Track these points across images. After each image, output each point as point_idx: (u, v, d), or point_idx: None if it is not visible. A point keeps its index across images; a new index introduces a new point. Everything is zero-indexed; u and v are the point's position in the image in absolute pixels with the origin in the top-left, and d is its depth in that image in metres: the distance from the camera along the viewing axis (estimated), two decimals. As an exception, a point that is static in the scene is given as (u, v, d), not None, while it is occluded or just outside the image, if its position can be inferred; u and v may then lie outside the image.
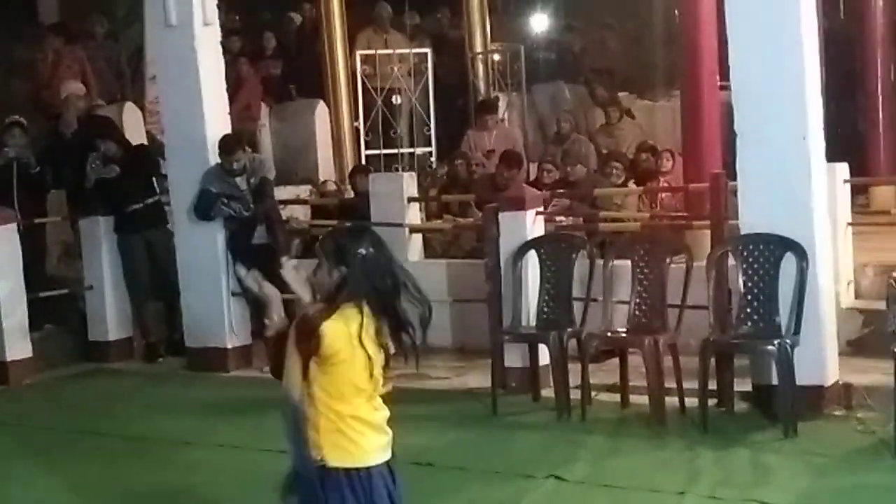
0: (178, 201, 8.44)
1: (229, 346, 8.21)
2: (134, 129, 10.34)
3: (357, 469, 3.18)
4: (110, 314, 8.92)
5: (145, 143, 9.95)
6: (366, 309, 3.15)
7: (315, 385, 3.15)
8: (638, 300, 6.61)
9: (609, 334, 6.61)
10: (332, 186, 11.19)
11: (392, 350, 3.24)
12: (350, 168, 11.57)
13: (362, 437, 3.19)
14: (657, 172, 9.27)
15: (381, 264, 3.22)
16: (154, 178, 8.95)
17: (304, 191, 11.12)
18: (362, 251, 3.19)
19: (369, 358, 3.18)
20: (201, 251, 8.33)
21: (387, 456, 3.26)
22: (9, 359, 8.27)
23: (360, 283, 3.15)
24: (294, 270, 3.22)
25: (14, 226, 8.42)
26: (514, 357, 7.07)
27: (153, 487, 5.60)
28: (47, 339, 8.77)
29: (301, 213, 10.38)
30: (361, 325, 3.13)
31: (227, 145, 8.11)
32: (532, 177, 9.62)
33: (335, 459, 3.15)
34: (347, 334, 3.11)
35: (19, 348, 8.35)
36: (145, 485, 5.67)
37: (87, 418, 7.11)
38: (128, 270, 8.87)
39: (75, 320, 9.06)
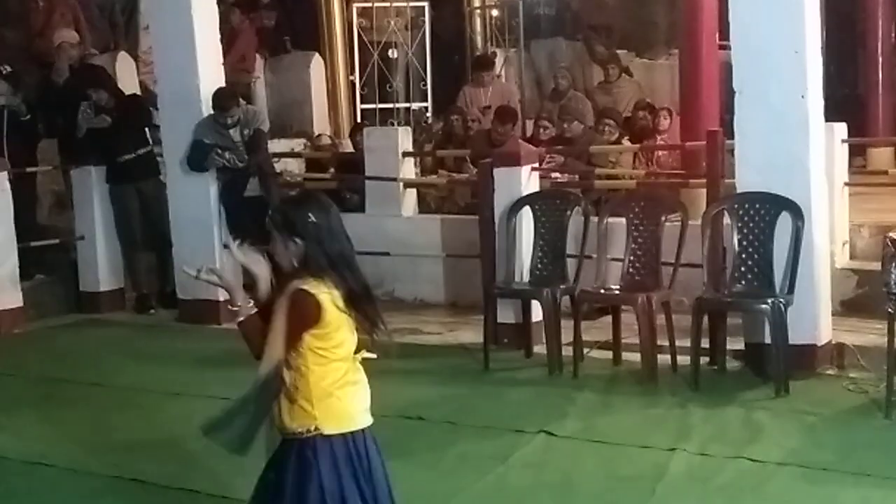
0: (171, 152, 8.40)
1: (221, 299, 8.12)
2: (127, 78, 10.26)
3: (352, 433, 3.17)
4: (102, 265, 8.90)
5: (138, 93, 9.88)
6: (329, 278, 3.10)
7: (308, 357, 3.11)
8: (632, 258, 6.60)
9: (602, 291, 6.61)
10: (326, 140, 11.14)
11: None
12: (346, 123, 11.53)
13: (354, 399, 3.19)
14: (654, 130, 9.24)
15: (333, 231, 3.15)
16: (147, 129, 8.89)
17: (298, 144, 11.05)
18: (312, 219, 3.12)
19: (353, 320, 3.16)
20: (193, 203, 8.29)
21: (370, 418, 3.24)
22: (0, 308, 8.27)
23: (318, 253, 3.10)
24: (241, 250, 3.14)
25: (4, 174, 8.36)
26: (506, 313, 7.07)
27: (143, 438, 5.60)
28: (38, 289, 8.76)
29: (295, 167, 10.34)
30: (333, 292, 3.10)
31: (222, 100, 8.04)
32: (528, 133, 9.57)
33: (332, 427, 3.14)
34: (331, 300, 3.09)
35: (10, 297, 8.33)
36: (136, 435, 5.66)
37: (78, 369, 7.10)
38: (119, 221, 8.84)
39: (66, 270, 9.04)
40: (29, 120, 9.00)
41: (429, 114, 11.91)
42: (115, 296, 8.96)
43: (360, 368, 3.26)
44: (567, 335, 6.55)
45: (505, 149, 7.63)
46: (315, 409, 3.12)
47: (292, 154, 10.43)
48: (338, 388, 3.16)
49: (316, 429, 3.12)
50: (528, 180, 7.20)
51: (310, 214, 3.13)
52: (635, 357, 6.36)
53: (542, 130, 9.11)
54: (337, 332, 3.13)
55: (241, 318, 3.15)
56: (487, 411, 5.87)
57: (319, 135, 11.32)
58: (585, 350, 6.63)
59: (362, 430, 3.21)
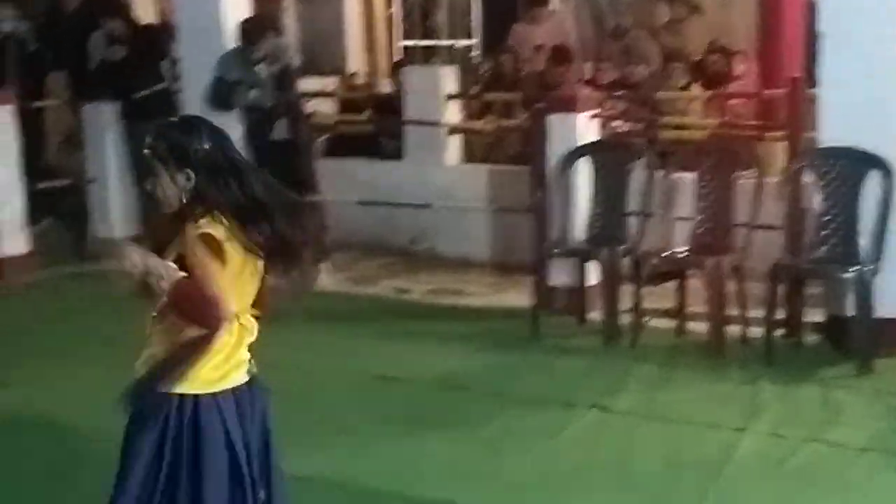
0: (190, 89, 8.42)
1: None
2: (143, 6, 10.29)
3: (238, 387, 3.16)
4: (115, 209, 8.99)
5: (155, 22, 9.90)
6: (230, 215, 3.02)
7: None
8: (701, 217, 6.57)
9: (667, 253, 6.58)
10: (361, 79, 11.14)
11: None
12: (383, 61, 11.51)
13: (244, 352, 3.18)
14: (728, 76, 9.14)
15: (227, 160, 3.05)
16: (164, 63, 8.92)
17: (330, 83, 11.06)
18: (204, 146, 3.02)
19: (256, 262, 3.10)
20: (215, 145, 8.32)
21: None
22: (4, 254, 8.38)
23: (210, 185, 3.01)
24: (138, 252, 3.06)
25: (10, 108, 8.45)
26: (559, 275, 7.08)
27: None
28: (46, 235, 8.85)
29: (327, 108, 10.35)
30: (233, 230, 3.01)
31: (250, 32, 8.02)
32: (586, 76, 9.51)
33: (222, 382, 3.12)
34: (232, 242, 3.01)
35: (16, 243, 8.45)
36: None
37: (91, 320, 7.17)
38: (135, 162, 8.90)
39: (78, 215, 9.13)
40: (37, 50, 9.05)
41: (476, 52, 11.86)
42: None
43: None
44: (626, 301, 6.54)
45: (560, 92, 7.60)
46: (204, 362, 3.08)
47: (324, 94, 10.43)
48: (240, 343, 3.14)
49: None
50: (585, 128, 7.17)
51: (202, 140, 3.04)
52: (701, 327, 6.35)
53: (601, 73, 9.04)
54: (240, 277, 3.06)
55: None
56: (536, 382, 5.90)
57: (353, 73, 11.31)
58: (646, 318, 6.61)
59: (248, 383, 3.21)
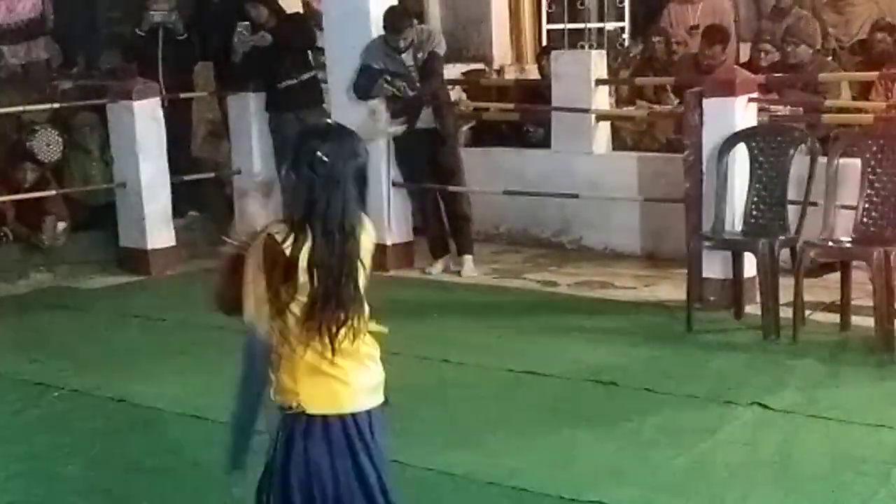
0: (336, 78, 8.53)
1: (388, 244, 8.31)
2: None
3: (342, 415, 3.04)
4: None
5: (301, 11, 10.05)
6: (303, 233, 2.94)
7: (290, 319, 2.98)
8: (867, 205, 6.41)
9: (830, 244, 6.44)
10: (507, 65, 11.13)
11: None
12: (529, 46, 11.47)
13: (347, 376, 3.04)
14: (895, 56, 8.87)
15: (336, 177, 2.93)
16: (310, 52, 9.05)
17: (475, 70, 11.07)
18: (318, 154, 2.93)
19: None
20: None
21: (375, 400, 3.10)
22: (150, 247, 8.65)
23: (300, 197, 2.93)
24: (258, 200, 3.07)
25: (158, 101, 8.68)
26: (713, 267, 6.98)
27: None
28: (191, 228, 9.08)
29: (470, 96, 10.35)
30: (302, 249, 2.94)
31: (395, 21, 8.07)
32: (743, 58, 9.34)
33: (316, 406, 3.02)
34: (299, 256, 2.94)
35: (162, 236, 8.71)
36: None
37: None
38: (279, 153, 9.06)
39: (222, 207, 9.33)
40: (185, 39, 9.26)
41: (626, 35, 11.75)
42: (273, 235, 9.21)
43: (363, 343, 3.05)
44: (786, 294, 6.41)
45: (717, 75, 7.47)
46: (298, 384, 3.00)
47: (468, 81, 10.46)
48: (328, 364, 3.00)
49: (298, 405, 3.00)
50: (743, 113, 7.04)
51: (319, 148, 2.94)
52: (868, 322, 6.21)
53: (761, 55, 8.85)
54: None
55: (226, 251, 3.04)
56: (690, 379, 5.82)
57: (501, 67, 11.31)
58: (807, 312, 6.49)
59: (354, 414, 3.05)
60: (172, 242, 8.76)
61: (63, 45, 10.41)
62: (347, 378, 3.01)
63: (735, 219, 6.90)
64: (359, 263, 2.99)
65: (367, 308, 3.06)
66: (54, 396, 5.96)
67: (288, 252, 2.92)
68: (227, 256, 3.09)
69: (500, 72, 11.28)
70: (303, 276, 2.92)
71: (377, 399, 3.09)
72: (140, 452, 5.14)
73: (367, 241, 3.05)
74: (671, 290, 7.34)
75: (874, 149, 6.46)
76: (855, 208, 6.46)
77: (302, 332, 2.96)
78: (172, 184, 8.77)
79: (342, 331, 2.95)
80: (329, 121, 3.53)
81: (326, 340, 2.95)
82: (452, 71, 10.07)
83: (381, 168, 8.31)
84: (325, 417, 3.00)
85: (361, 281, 3.02)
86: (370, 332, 3.08)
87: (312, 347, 2.97)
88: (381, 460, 3.09)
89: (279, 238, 2.93)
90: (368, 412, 3.06)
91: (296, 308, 2.95)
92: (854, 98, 8.40)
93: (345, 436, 3.02)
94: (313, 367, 2.98)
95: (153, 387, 6.02)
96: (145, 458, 5.07)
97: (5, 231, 8.55)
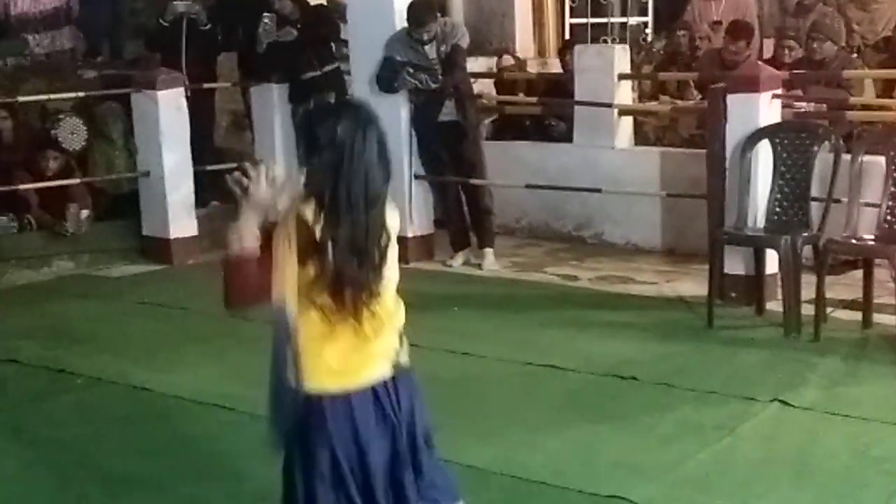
0: (359, 70, 8.53)
1: (409, 236, 8.32)
2: (313, -13, 10.47)
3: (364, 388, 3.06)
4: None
5: (325, 3, 10.06)
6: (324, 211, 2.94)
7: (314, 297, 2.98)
8: (891, 203, 6.38)
9: (853, 241, 6.41)
10: (510, 61, 11.08)
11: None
12: (552, 39, 11.46)
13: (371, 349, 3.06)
14: (921, 53, 8.83)
15: (363, 160, 2.93)
16: (333, 44, 9.06)
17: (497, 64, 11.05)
18: (340, 134, 2.93)
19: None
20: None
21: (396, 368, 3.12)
22: (172, 236, 8.69)
23: (323, 175, 2.93)
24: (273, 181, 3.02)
25: (182, 91, 8.71)
26: (735, 263, 6.96)
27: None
28: (213, 217, 9.09)
29: (494, 89, 10.36)
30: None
31: (418, 15, 8.05)
32: (767, 54, 9.30)
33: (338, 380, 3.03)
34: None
35: (184, 226, 8.75)
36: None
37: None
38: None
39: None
40: (209, 30, 9.28)
41: (649, 30, 11.72)
42: (295, 226, 9.24)
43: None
44: (808, 291, 6.40)
45: (741, 71, 7.44)
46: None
47: (491, 74, 10.46)
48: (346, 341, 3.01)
49: (321, 381, 3.02)
50: (767, 109, 7.01)
51: (339, 126, 2.94)
52: (889, 319, 6.22)
53: (786, 51, 8.81)
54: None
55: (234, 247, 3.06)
56: (710, 374, 5.81)
57: (503, 55, 11.27)
58: (829, 309, 6.48)
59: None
60: (195, 232, 8.79)
61: (87, 34, 10.48)
62: (372, 350, 3.04)
63: (757, 215, 6.88)
64: (384, 234, 2.99)
65: (396, 280, 3.07)
66: (76, 384, 6.00)
67: (317, 231, 2.92)
68: (241, 248, 3.07)
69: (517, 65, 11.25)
70: (329, 253, 2.93)
71: (399, 366, 3.10)
72: (161, 440, 5.17)
73: (392, 219, 3.06)
74: (692, 285, 7.33)
75: (898, 146, 6.44)
76: (878, 206, 6.44)
77: (328, 308, 2.96)
78: (195, 173, 8.80)
79: (368, 306, 2.97)
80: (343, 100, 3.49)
81: (351, 317, 2.96)
82: (474, 65, 10.07)
83: (403, 160, 8.31)
84: (346, 392, 3.02)
85: (390, 255, 3.02)
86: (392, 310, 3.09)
87: (337, 322, 2.98)
88: (412, 427, 3.11)
89: (308, 217, 2.94)
90: (394, 379, 3.08)
91: (322, 285, 2.95)
92: (878, 95, 8.35)
93: (373, 407, 3.04)
94: (336, 342, 3.00)
95: (174, 375, 6.06)
96: (166, 446, 5.10)
97: (29, 219, 8.60)
